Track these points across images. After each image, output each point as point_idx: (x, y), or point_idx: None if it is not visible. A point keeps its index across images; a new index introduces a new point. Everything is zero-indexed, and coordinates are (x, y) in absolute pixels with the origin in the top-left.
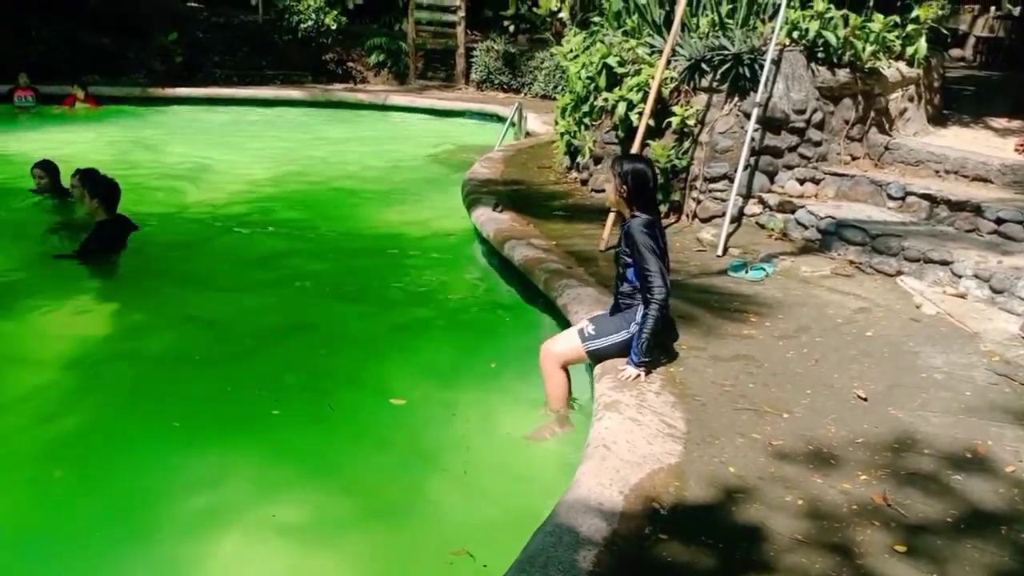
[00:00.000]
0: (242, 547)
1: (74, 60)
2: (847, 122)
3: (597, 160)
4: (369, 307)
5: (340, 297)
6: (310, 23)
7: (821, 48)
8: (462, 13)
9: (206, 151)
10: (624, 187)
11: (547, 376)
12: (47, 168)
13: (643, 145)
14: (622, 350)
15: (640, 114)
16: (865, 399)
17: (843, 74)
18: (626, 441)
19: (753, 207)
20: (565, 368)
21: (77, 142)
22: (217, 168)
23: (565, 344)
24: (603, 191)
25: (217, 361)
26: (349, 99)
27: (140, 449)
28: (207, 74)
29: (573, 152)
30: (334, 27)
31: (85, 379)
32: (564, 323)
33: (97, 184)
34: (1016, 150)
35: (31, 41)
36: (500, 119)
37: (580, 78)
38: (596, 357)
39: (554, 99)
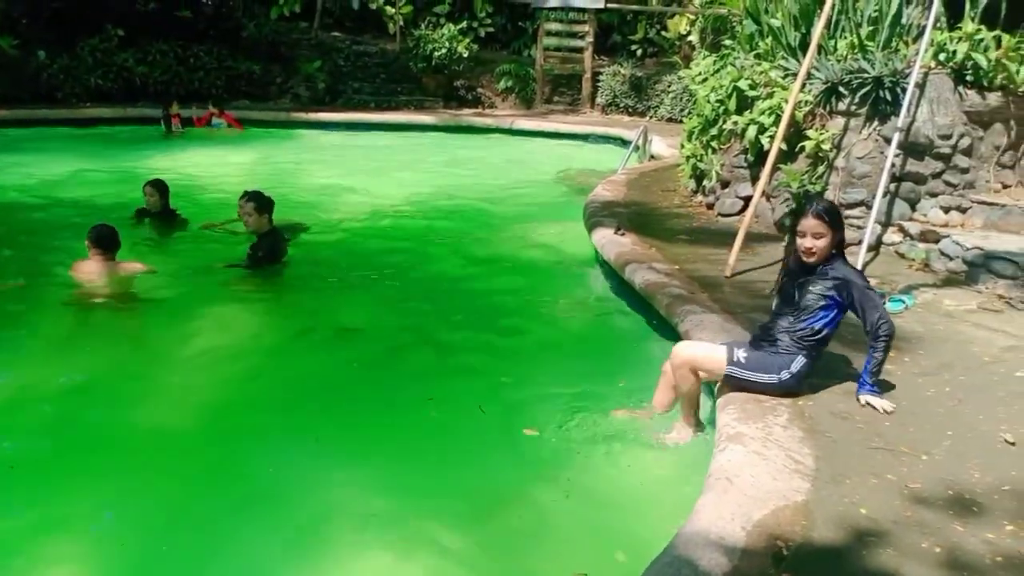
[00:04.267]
0: (347, 547)
1: (229, 86)
2: (998, 148)
3: (724, 184)
4: (491, 329)
5: (463, 318)
6: (444, 51)
7: (970, 71)
8: (590, 39)
9: (342, 173)
10: (840, 234)
11: (671, 374)
12: (158, 187)
13: (774, 169)
14: (761, 391)
15: (771, 138)
16: (1013, 443)
17: (994, 98)
18: (750, 475)
19: (892, 236)
20: (694, 373)
21: (226, 163)
22: (351, 189)
23: (706, 352)
24: (731, 215)
25: (358, 371)
26: (477, 123)
27: (282, 445)
28: (347, 100)
29: (699, 176)
30: (466, 55)
31: (242, 375)
32: None
33: (263, 200)
34: None
35: (192, 68)
36: (625, 142)
37: (709, 101)
38: (729, 383)
39: (680, 122)
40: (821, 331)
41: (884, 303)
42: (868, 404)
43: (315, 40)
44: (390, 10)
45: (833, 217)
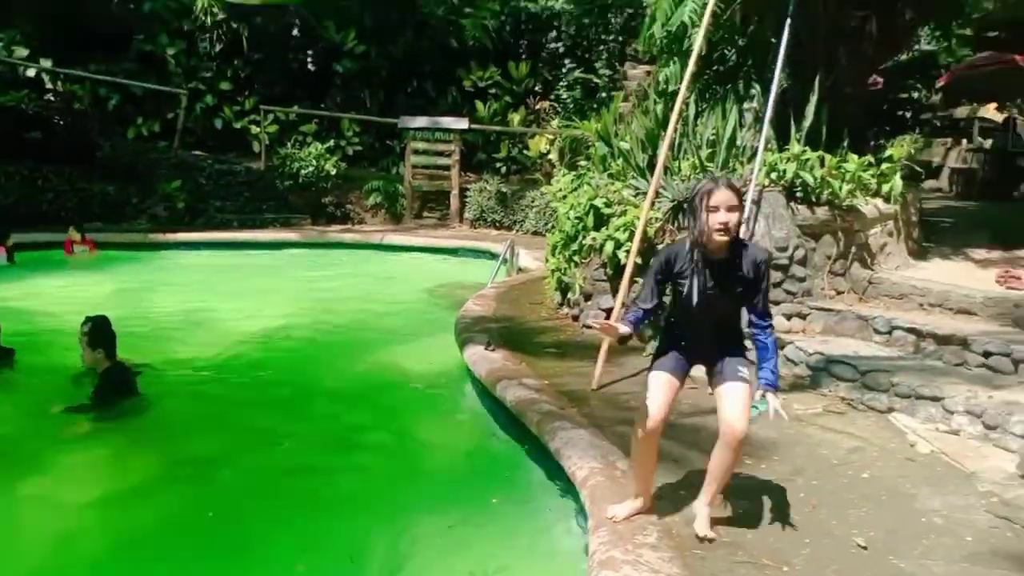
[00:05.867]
0: None
1: (81, 208)
2: (829, 258)
3: (587, 296)
4: (361, 458)
5: (331, 448)
6: (311, 169)
7: (799, 188)
8: (456, 156)
9: (203, 295)
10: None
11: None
12: None
13: (631, 282)
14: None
15: (628, 252)
16: (865, 547)
17: (822, 212)
18: None
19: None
20: None
21: (74, 289)
22: (212, 313)
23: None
24: (591, 327)
25: (218, 515)
26: (345, 240)
27: None
28: (208, 219)
29: (564, 289)
30: (333, 172)
31: (84, 529)
32: (557, 466)
33: (95, 334)
34: (998, 281)
35: (40, 190)
36: (493, 255)
37: (569, 218)
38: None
39: (545, 235)
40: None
41: (756, 408)
42: (776, 411)
43: (175, 159)
44: (255, 129)
45: (729, 186)
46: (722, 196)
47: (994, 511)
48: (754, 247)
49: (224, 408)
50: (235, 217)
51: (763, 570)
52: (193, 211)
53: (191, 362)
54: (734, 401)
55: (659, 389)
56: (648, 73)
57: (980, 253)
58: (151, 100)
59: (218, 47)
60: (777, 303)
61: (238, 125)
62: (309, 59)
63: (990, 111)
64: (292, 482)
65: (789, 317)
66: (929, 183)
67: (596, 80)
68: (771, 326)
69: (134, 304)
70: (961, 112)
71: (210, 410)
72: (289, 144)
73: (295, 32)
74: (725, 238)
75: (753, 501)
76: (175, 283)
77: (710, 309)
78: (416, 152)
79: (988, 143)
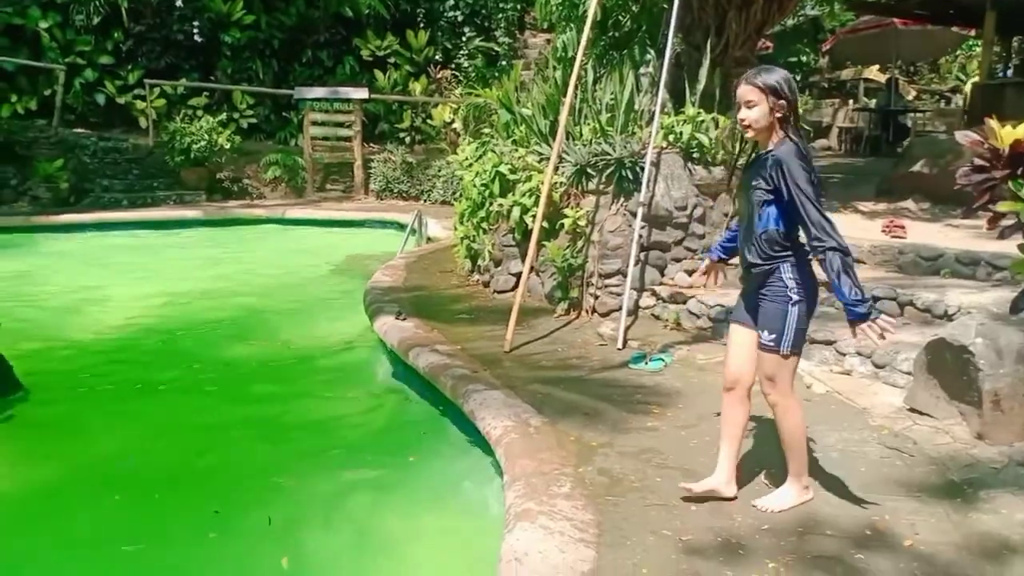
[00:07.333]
0: None
1: None
2: (726, 215)
3: (497, 262)
4: (273, 431)
5: (242, 424)
6: (203, 143)
7: (696, 149)
8: (358, 128)
9: (95, 279)
10: (782, 102)
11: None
12: None
13: (539, 246)
14: (805, 324)
15: (534, 217)
16: (768, 484)
17: (718, 171)
18: (538, 552)
19: (647, 300)
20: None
21: None
22: (106, 295)
23: (767, 368)
24: (505, 291)
25: (125, 506)
26: (245, 215)
27: None
28: (95, 199)
29: (474, 256)
30: (228, 146)
31: None
32: (474, 428)
33: None
34: (883, 231)
35: None
36: (401, 226)
37: (475, 185)
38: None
39: (453, 204)
40: (778, 231)
41: (647, 363)
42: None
43: (56, 138)
44: (141, 104)
45: (771, 82)
46: (738, 92)
47: (885, 443)
48: (785, 145)
49: (116, 397)
50: (124, 196)
51: (672, 511)
52: (78, 191)
53: (84, 349)
54: (759, 370)
55: (729, 343)
56: (548, 42)
57: (867, 205)
58: (25, 76)
59: (96, 20)
60: (679, 260)
61: (122, 100)
62: (195, 30)
63: (873, 72)
64: (203, 458)
65: (691, 273)
66: (819, 142)
67: (496, 48)
68: (819, 239)
69: (16, 290)
70: (847, 74)
71: (101, 401)
72: (178, 119)
73: (178, 3)
74: (748, 134)
75: (662, 447)
76: (62, 267)
77: (740, 212)
78: (315, 124)
79: (872, 103)
